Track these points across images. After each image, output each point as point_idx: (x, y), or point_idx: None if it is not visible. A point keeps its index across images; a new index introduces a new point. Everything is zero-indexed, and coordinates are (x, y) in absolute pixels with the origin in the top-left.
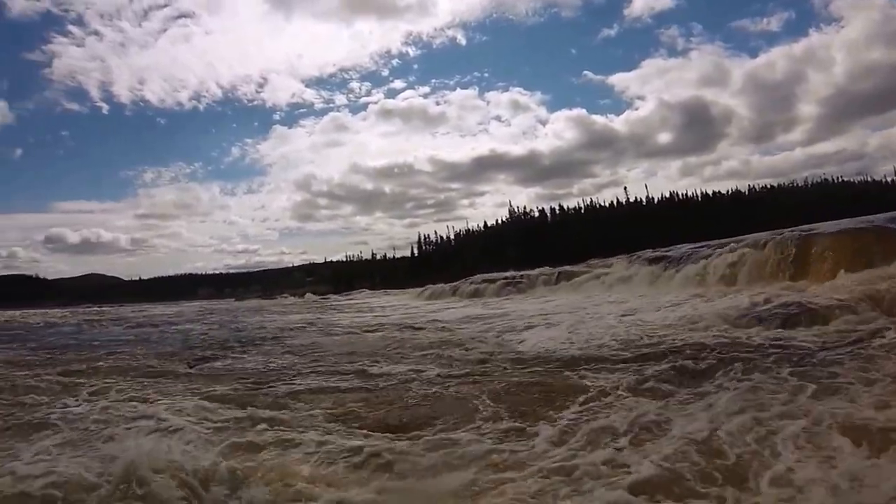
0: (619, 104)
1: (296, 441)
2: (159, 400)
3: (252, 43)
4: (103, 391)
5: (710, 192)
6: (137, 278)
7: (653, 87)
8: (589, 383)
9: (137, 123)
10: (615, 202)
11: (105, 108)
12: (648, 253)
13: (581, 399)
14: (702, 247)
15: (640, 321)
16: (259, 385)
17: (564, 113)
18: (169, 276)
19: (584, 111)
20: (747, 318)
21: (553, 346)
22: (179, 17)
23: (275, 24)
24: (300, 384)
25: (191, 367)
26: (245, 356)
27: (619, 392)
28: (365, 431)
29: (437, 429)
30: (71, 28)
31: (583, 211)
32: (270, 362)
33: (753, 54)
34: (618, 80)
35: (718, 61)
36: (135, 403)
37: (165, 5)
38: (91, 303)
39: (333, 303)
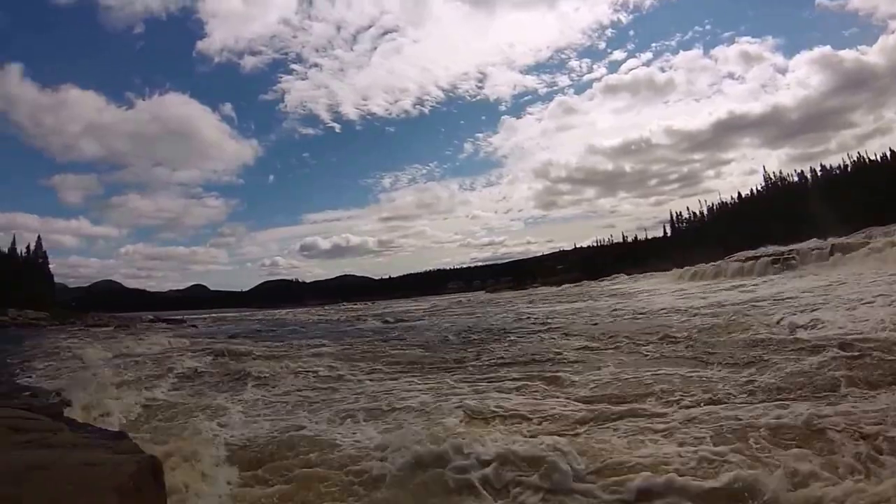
0: (868, 31)
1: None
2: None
3: (461, 43)
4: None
5: None
6: (387, 276)
7: None
8: None
9: (368, 135)
10: (888, 154)
11: (337, 127)
12: None
13: None
14: None
15: None
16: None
17: (805, 55)
18: (417, 273)
19: (827, 48)
20: None
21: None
22: (385, 33)
23: (479, 22)
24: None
25: (459, 358)
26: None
27: None
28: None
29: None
30: (293, 66)
31: (848, 169)
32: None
33: None
34: (861, 1)
35: None
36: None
37: (370, 26)
38: (346, 301)
39: (597, 289)
